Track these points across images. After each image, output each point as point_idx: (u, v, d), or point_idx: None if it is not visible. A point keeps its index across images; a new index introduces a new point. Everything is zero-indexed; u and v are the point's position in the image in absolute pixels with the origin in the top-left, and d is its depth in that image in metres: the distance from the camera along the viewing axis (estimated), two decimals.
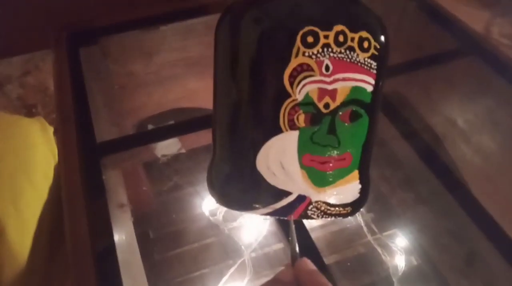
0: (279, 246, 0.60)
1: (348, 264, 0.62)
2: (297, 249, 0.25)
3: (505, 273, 0.38)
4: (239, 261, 0.61)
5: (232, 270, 0.60)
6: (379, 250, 0.62)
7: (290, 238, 0.26)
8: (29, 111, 0.97)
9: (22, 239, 0.36)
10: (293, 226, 0.27)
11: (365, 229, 0.65)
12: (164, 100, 0.59)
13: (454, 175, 0.43)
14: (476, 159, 0.54)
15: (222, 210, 0.65)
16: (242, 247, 0.62)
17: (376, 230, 0.64)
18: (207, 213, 0.65)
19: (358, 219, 0.65)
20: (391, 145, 0.56)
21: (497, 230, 0.38)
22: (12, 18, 1.03)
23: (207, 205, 0.66)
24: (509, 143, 0.51)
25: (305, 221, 0.68)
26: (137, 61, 0.54)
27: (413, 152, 0.49)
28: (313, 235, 0.68)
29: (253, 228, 0.63)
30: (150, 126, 0.53)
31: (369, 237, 0.64)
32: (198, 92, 0.58)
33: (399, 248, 0.62)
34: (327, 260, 0.63)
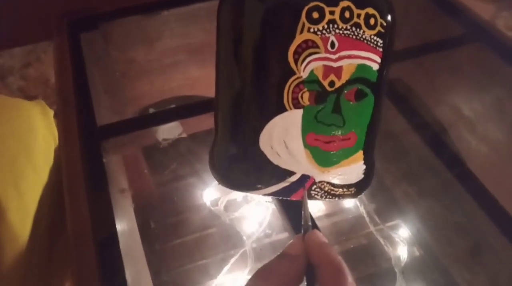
0: (281, 235, 0.60)
1: (352, 247, 0.61)
2: (310, 221, 0.24)
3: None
4: (241, 251, 0.61)
5: (233, 259, 0.60)
6: (381, 240, 0.62)
7: (303, 208, 0.25)
8: None
9: (23, 221, 0.36)
10: (306, 197, 0.26)
11: (367, 219, 0.64)
12: (166, 87, 0.58)
13: (463, 164, 0.43)
14: (483, 148, 0.54)
15: (223, 199, 0.65)
16: (244, 237, 0.62)
17: (378, 220, 0.64)
18: (208, 203, 0.65)
19: (361, 209, 0.65)
20: (396, 135, 0.55)
21: (508, 219, 0.37)
22: (13, 9, 1.03)
23: (208, 195, 0.66)
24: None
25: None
26: (139, 48, 0.54)
27: (418, 142, 0.48)
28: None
29: (255, 218, 0.63)
30: (151, 110, 0.53)
31: (372, 228, 0.64)
32: (201, 80, 0.57)
33: (402, 239, 0.61)
34: None
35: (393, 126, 0.53)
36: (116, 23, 0.50)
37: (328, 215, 0.66)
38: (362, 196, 0.66)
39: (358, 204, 0.66)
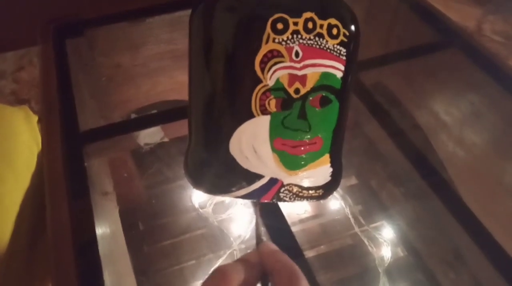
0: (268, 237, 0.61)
1: (336, 248, 0.62)
2: (263, 234, 0.26)
3: (484, 269, 0.39)
4: (228, 252, 0.62)
5: (221, 260, 0.61)
6: (366, 241, 0.63)
7: (256, 224, 0.27)
8: None
9: (3, 226, 0.36)
10: (258, 213, 0.28)
11: (352, 220, 0.65)
12: (152, 92, 0.59)
13: (437, 172, 0.44)
14: (460, 152, 0.55)
15: (212, 202, 0.66)
16: (231, 238, 0.63)
17: (363, 222, 0.65)
18: (197, 205, 0.66)
19: (346, 211, 0.66)
20: (380, 140, 0.57)
21: (479, 229, 0.38)
22: (5, 13, 1.03)
23: (197, 197, 0.67)
24: (490, 135, 0.52)
25: (291, 213, 0.69)
26: (124, 54, 0.55)
27: (401, 145, 0.49)
28: (301, 227, 0.69)
29: (242, 220, 0.64)
30: (133, 116, 0.54)
31: (356, 229, 0.65)
32: (186, 84, 0.58)
33: (386, 240, 0.63)
34: (316, 250, 0.64)
35: (377, 130, 0.54)
36: (101, 30, 0.51)
37: (313, 216, 0.68)
38: (347, 197, 0.68)
39: (344, 206, 0.67)
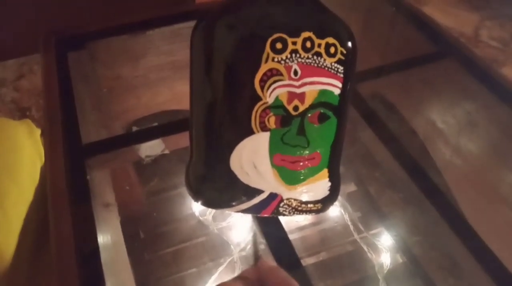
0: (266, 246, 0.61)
1: (336, 254, 0.63)
2: (259, 252, 0.26)
3: (479, 276, 0.39)
4: (228, 260, 0.62)
5: (221, 268, 0.62)
6: (365, 248, 0.64)
7: (253, 241, 0.27)
8: (23, 115, 0.98)
9: (7, 238, 0.37)
10: (255, 230, 0.28)
11: (351, 227, 0.66)
12: (152, 103, 0.60)
13: (432, 180, 0.45)
14: (457, 160, 0.55)
15: (211, 210, 0.67)
16: (231, 246, 0.63)
17: (362, 228, 0.65)
18: (197, 213, 0.67)
19: (345, 218, 0.67)
20: (378, 147, 0.57)
21: (473, 236, 0.39)
22: (6, 22, 1.04)
23: (197, 205, 0.67)
24: (486, 144, 0.53)
25: (291, 221, 0.69)
26: (125, 65, 0.55)
27: (399, 153, 0.50)
28: (300, 234, 0.69)
29: (242, 228, 0.65)
30: (134, 128, 0.55)
31: (356, 236, 0.65)
32: (186, 95, 0.59)
33: (385, 246, 0.63)
34: (315, 258, 0.64)
35: (375, 138, 0.55)
36: (102, 42, 0.52)
37: (312, 224, 0.68)
38: (347, 204, 0.68)
39: (343, 213, 0.68)
